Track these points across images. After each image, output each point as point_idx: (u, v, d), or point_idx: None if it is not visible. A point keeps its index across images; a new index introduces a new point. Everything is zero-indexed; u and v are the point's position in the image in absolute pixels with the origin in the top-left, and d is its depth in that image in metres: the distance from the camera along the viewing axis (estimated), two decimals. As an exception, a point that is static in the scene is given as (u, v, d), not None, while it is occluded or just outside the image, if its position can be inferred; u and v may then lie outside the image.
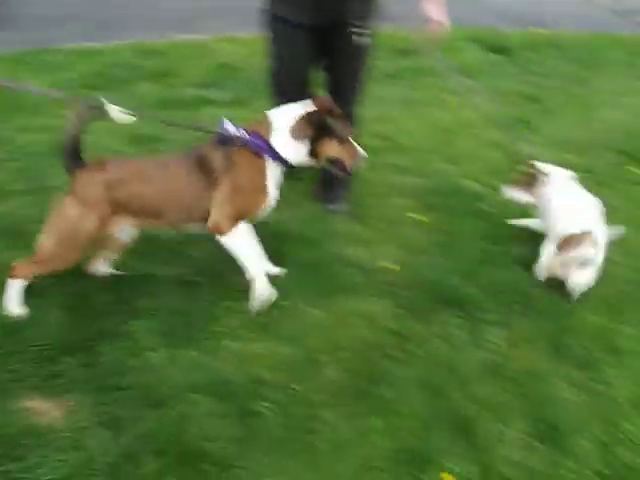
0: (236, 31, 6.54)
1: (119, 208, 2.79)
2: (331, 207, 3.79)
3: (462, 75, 5.95)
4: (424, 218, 3.83)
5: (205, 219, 2.90)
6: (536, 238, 3.65)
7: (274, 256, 3.26)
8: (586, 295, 3.41)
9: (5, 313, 2.84)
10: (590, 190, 4.28)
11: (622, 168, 4.89)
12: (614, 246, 3.82)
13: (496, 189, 4.20)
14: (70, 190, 2.75)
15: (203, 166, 2.83)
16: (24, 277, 2.83)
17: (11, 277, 2.82)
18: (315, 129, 2.84)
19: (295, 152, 2.88)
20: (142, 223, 2.92)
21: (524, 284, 3.39)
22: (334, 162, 2.98)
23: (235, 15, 6.97)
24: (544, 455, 2.55)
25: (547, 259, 3.39)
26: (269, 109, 3.00)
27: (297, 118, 2.85)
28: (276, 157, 2.87)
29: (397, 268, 3.36)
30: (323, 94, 3.03)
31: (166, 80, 5.15)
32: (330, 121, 2.85)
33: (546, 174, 3.55)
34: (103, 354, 2.68)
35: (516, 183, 3.68)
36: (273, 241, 3.36)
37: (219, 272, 3.17)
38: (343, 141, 2.93)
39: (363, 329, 2.98)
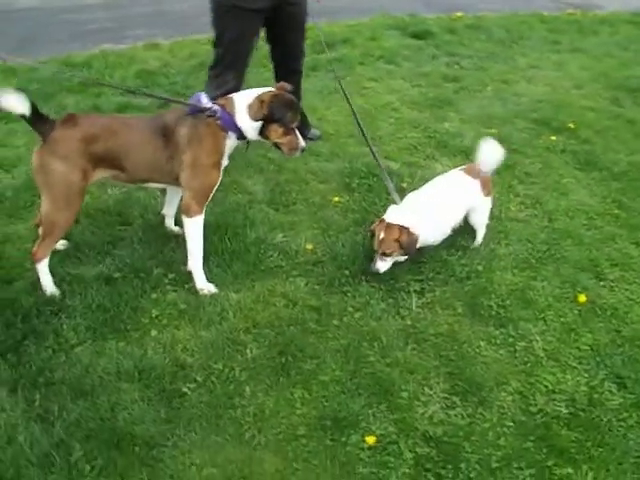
0: (157, 37, 6.63)
1: (95, 161, 3.01)
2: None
3: (383, 61, 6.18)
4: (343, 199, 3.97)
5: (168, 182, 3.22)
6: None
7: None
8: (506, 257, 3.61)
9: (47, 294, 3.08)
10: (509, 158, 4.51)
11: (539, 137, 5.11)
12: (533, 209, 4.06)
13: (413, 165, 4.39)
14: (50, 150, 2.92)
15: (166, 133, 3.09)
16: (45, 257, 3.07)
17: (36, 263, 3.07)
18: (267, 112, 3.08)
19: (251, 129, 3.14)
20: (116, 176, 3.16)
21: (442, 253, 3.56)
22: (277, 145, 3.25)
23: (156, 22, 7.08)
24: (465, 411, 2.73)
25: None
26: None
27: (254, 99, 3.11)
28: (237, 131, 3.13)
29: (317, 248, 3.50)
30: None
31: (92, 90, 5.21)
32: (280, 108, 3.10)
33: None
34: (32, 353, 2.79)
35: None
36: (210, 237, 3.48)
37: (145, 268, 3.28)
38: (287, 129, 3.18)
39: (283, 308, 3.13)
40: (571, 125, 5.28)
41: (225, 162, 3.20)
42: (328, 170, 4.18)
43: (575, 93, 6.10)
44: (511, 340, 3.09)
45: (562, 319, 3.27)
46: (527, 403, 2.80)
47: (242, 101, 3.12)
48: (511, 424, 2.70)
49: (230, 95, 3.20)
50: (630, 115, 5.75)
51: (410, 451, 2.53)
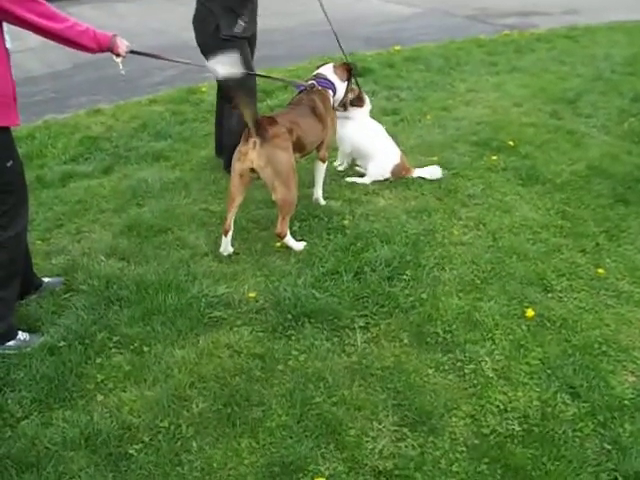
0: (100, 103, 6.66)
1: (294, 146, 3.84)
2: None
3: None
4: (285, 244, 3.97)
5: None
6: (391, 243, 3.87)
7: (137, 309, 3.39)
8: (451, 282, 3.63)
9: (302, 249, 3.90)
10: (451, 183, 4.57)
11: (480, 158, 5.17)
12: (476, 231, 4.10)
13: (354, 202, 4.43)
14: (273, 145, 3.63)
15: (315, 111, 4.11)
16: (287, 231, 3.83)
17: (283, 239, 3.83)
18: (348, 75, 4.48)
19: (340, 88, 4.44)
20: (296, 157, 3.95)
21: (384, 285, 3.56)
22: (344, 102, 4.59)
23: (99, 88, 7.14)
24: (416, 441, 2.71)
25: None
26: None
27: (335, 68, 4.44)
28: (334, 90, 4.36)
29: (259, 296, 3.49)
30: None
31: (35, 162, 5.22)
32: (353, 71, 4.55)
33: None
34: (-26, 433, 2.74)
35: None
36: (135, 295, 3.48)
37: (90, 333, 3.24)
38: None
39: (228, 358, 3.10)
40: (511, 143, 5.37)
41: None
42: (269, 217, 4.17)
43: (515, 111, 6.22)
44: (459, 364, 3.09)
45: (510, 336, 3.27)
46: (479, 425, 2.79)
47: (329, 72, 4.39)
48: (464, 449, 2.68)
49: (318, 71, 4.44)
50: (569, 126, 5.87)
51: (361, 488, 2.50)
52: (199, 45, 4.56)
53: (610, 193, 4.77)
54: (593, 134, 5.76)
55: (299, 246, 3.89)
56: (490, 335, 3.27)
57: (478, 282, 3.66)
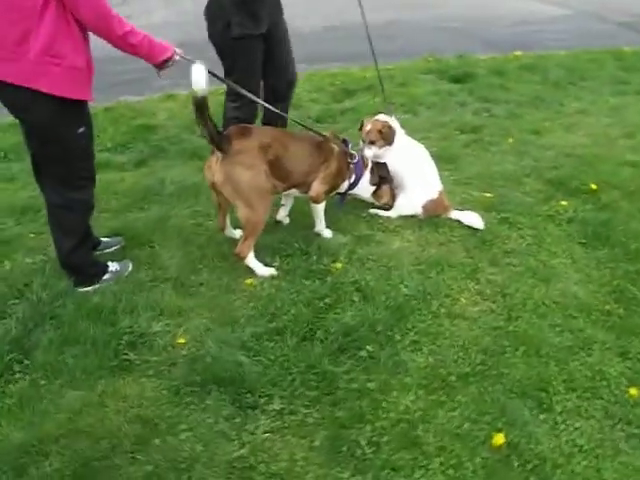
0: (180, 87, 6.28)
1: (270, 167, 3.41)
2: None
3: (402, 110, 5.57)
4: (257, 282, 3.47)
5: (305, 187, 3.70)
6: (369, 303, 3.27)
7: (61, 333, 3.06)
8: (417, 372, 2.92)
9: (267, 278, 3.46)
10: (492, 230, 3.81)
11: (547, 202, 4.32)
12: (491, 303, 3.36)
13: (362, 240, 3.86)
14: (233, 160, 3.28)
15: (321, 148, 3.66)
16: (249, 253, 3.47)
17: (243, 260, 3.47)
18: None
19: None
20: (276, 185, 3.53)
21: (325, 362, 2.92)
22: None
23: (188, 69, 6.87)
24: None
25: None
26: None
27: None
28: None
29: (188, 343, 3.04)
30: None
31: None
32: None
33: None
34: None
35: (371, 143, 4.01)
36: (69, 316, 3.17)
37: (2, 352, 2.96)
38: None
39: (112, 415, 2.68)
40: (593, 186, 4.42)
41: None
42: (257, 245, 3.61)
43: (621, 144, 5.20)
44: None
45: (451, 471, 2.44)
46: None
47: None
48: None
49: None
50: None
51: None
52: (212, 43, 4.10)
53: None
54: None
55: (264, 272, 3.50)
56: (425, 463, 2.47)
57: (453, 379, 2.87)
